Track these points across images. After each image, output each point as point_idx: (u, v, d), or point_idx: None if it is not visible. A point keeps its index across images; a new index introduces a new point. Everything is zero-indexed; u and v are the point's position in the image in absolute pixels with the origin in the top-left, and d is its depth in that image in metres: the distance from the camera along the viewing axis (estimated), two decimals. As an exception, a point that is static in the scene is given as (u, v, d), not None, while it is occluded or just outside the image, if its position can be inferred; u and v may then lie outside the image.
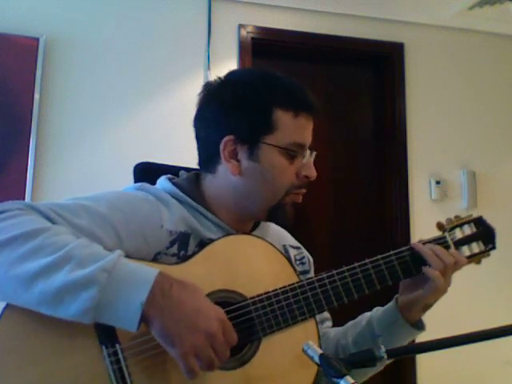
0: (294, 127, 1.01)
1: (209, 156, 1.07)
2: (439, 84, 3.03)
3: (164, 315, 0.81)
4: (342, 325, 1.19)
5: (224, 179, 1.04)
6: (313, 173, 1.04)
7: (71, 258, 0.81)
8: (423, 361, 2.74)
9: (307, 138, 1.04)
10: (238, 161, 1.02)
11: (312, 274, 1.20)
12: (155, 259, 0.97)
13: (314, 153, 1.06)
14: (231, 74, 1.09)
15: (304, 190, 1.06)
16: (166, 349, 0.82)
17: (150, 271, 0.84)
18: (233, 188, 1.04)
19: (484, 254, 1.11)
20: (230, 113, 1.02)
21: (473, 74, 3.10)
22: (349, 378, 0.71)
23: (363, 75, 3.08)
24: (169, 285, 0.83)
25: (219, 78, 1.08)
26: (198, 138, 1.10)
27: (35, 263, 0.81)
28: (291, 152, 1.01)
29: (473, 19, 2.98)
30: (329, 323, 1.21)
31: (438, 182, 2.92)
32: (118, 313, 0.80)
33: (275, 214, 1.05)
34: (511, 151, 3.11)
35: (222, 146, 1.02)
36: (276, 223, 1.08)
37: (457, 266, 1.05)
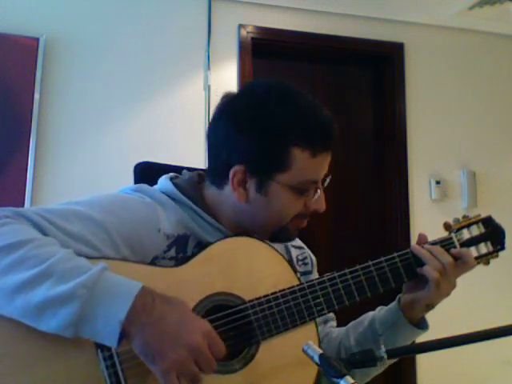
0: (309, 166, 0.97)
1: (217, 172, 1.03)
2: (439, 84, 3.03)
3: (145, 332, 0.79)
4: (345, 325, 1.18)
5: (229, 199, 1.02)
6: (322, 207, 1.02)
7: (52, 272, 0.80)
8: (423, 361, 2.74)
9: (322, 173, 1.01)
10: (245, 189, 0.99)
11: (315, 274, 1.19)
12: (152, 263, 0.96)
13: (329, 178, 1.03)
14: (249, 89, 1.03)
15: (308, 219, 1.05)
16: (148, 366, 0.81)
17: (132, 286, 0.82)
18: (237, 210, 1.02)
19: (492, 254, 1.09)
20: (243, 139, 0.97)
21: (473, 73, 3.10)
22: (349, 378, 0.70)
23: (363, 75, 3.08)
24: (151, 300, 0.81)
25: (238, 92, 1.04)
26: (208, 147, 1.06)
27: (17, 276, 0.80)
28: (302, 189, 0.99)
29: (473, 19, 2.98)
30: (333, 323, 1.20)
31: (438, 182, 2.92)
32: (98, 329, 0.79)
33: (278, 236, 1.04)
34: (511, 151, 3.11)
35: (231, 174, 0.98)
36: (278, 242, 1.06)
37: (464, 265, 1.03)
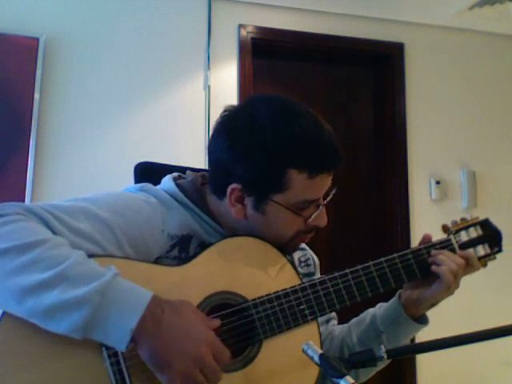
0: (307, 187, 0.97)
1: (216, 184, 1.04)
2: (439, 84, 3.03)
3: (153, 341, 0.81)
4: (346, 321, 1.19)
5: (229, 211, 1.02)
6: (323, 223, 1.02)
7: (66, 276, 0.81)
8: (423, 361, 2.74)
9: (322, 192, 1.01)
10: (243, 205, 1.00)
11: (318, 275, 1.20)
12: (155, 263, 0.97)
13: (333, 192, 1.04)
14: (249, 111, 1.00)
15: (312, 234, 1.04)
16: (155, 374, 0.83)
17: (144, 295, 0.83)
18: (237, 222, 1.03)
19: (490, 256, 1.10)
20: (239, 163, 0.98)
21: (473, 74, 3.10)
22: (349, 378, 0.71)
23: (363, 75, 3.08)
24: (160, 310, 0.83)
25: (238, 109, 1.02)
26: (209, 157, 1.06)
27: (30, 278, 0.80)
28: (300, 208, 0.99)
29: (473, 19, 2.98)
30: (334, 321, 1.21)
31: (438, 182, 2.92)
32: (108, 334, 0.81)
33: (280, 250, 1.03)
34: (511, 151, 3.11)
35: (228, 191, 0.99)
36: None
37: (470, 267, 1.04)
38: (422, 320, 1.08)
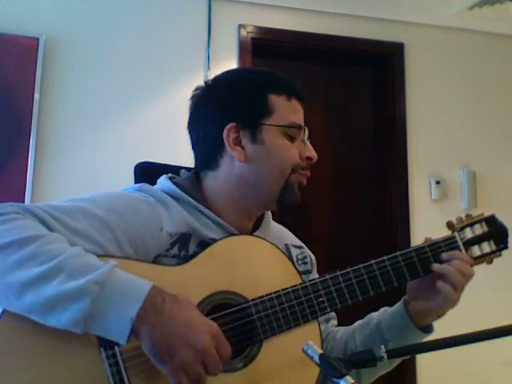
0: (288, 109, 1.07)
1: (209, 152, 1.07)
2: (439, 84, 3.03)
3: (154, 331, 0.80)
4: (346, 323, 1.18)
5: (228, 171, 1.05)
6: (314, 153, 1.08)
7: (63, 268, 0.81)
8: (423, 361, 2.74)
9: (302, 120, 1.09)
10: (242, 147, 1.04)
11: (315, 273, 1.20)
12: (155, 262, 0.97)
13: (307, 132, 1.12)
14: (219, 75, 1.13)
15: (308, 173, 1.08)
16: (156, 365, 0.82)
17: (143, 285, 0.83)
18: (239, 178, 1.05)
19: (495, 253, 1.08)
20: (227, 104, 1.06)
21: (473, 74, 3.10)
22: (349, 378, 0.70)
23: (363, 75, 3.08)
24: (161, 299, 0.83)
25: (208, 80, 1.13)
26: (195, 138, 1.11)
27: (27, 272, 0.80)
28: (291, 131, 1.05)
29: (473, 19, 2.98)
30: (334, 322, 1.21)
31: (438, 182, 2.92)
32: (109, 326, 0.80)
33: (284, 198, 1.05)
34: (511, 151, 3.11)
35: (225, 134, 1.04)
36: (285, 206, 1.07)
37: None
38: (428, 329, 1.07)
